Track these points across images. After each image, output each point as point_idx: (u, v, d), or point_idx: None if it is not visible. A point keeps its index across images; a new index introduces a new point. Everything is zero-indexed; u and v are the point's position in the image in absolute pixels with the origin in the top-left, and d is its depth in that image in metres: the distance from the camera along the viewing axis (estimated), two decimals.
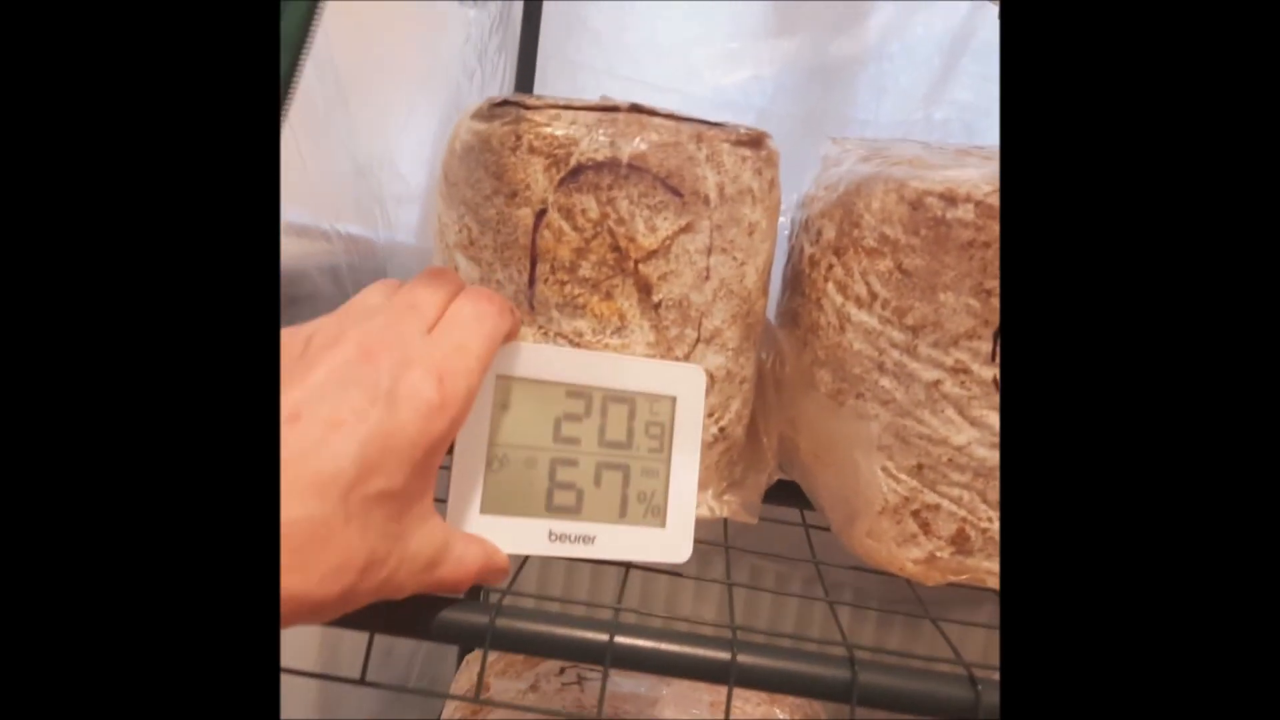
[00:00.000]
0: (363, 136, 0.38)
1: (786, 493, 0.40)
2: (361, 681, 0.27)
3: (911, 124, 0.69)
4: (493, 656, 0.48)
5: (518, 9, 0.55)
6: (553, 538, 0.29)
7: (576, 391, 0.30)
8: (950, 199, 0.30)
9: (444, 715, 0.48)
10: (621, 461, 0.30)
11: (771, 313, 0.41)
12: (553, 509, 0.29)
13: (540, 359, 0.30)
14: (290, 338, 0.24)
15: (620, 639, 0.26)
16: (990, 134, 0.68)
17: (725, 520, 0.36)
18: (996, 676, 0.27)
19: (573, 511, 0.29)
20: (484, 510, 0.29)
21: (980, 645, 0.64)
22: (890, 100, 0.69)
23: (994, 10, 0.42)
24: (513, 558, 0.28)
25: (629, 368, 0.31)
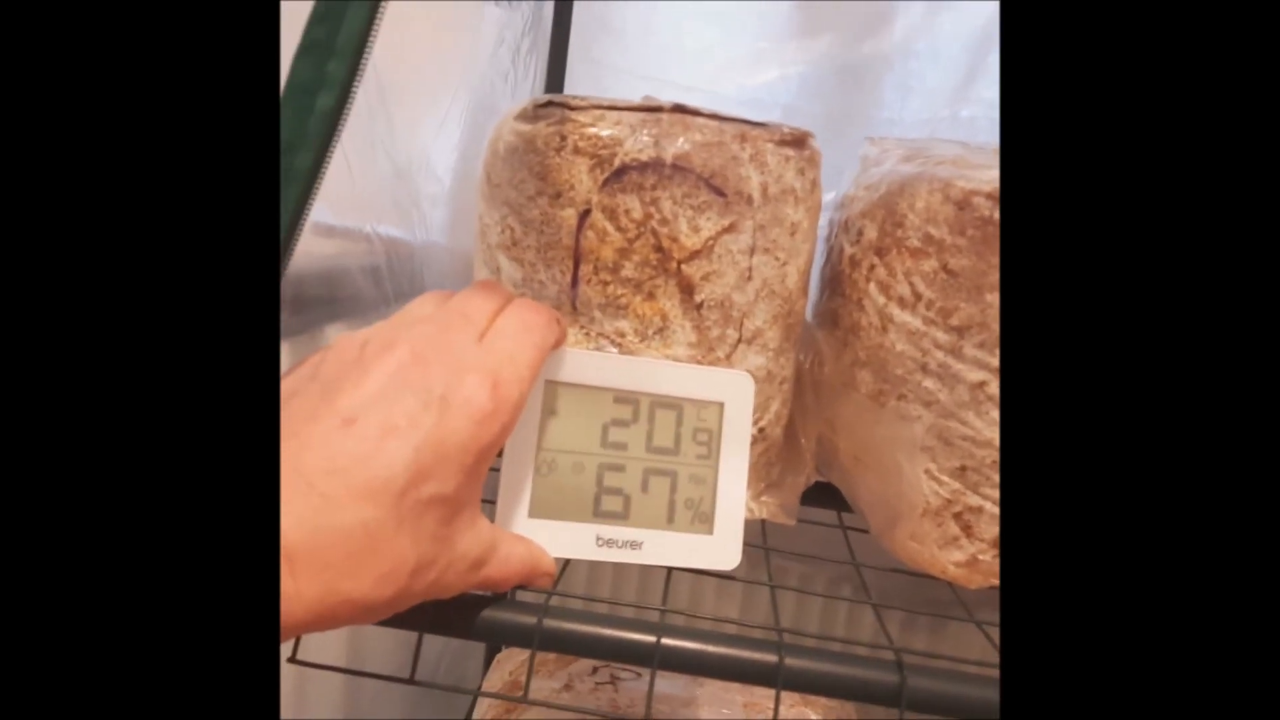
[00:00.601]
0: (401, 140, 0.38)
1: (823, 495, 0.40)
2: (411, 681, 0.27)
3: (938, 122, 0.68)
4: (525, 654, 0.48)
5: (548, 10, 0.55)
6: (600, 542, 0.29)
7: (624, 397, 0.30)
8: (998, 199, 0.29)
9: (476, 714, 0.48)
10: (669, 468, 0.30)
11: (808, 313, 0.41)
12: (600, 514, 0.29)
13: (588, 364, 0.30)
14: (346, 342, 0.24)
15: (668, 640, 0.26)
16: None
17: (763, 521, 0.36)
18: None
19: (620, 517, 0.29)
20: (532, 514, 0.29)
21: None
22: (917, 99, 0.69)
23: None
24: (556, 561, 0.28)
25: (677, 373, 0.30)
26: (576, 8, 0.60)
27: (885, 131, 0.68)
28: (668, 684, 0.45)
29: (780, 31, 0.68)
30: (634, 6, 0.65)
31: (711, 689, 0.45)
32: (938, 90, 0.68)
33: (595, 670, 0.45)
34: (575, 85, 0.63)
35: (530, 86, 0.54)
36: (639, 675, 0.46)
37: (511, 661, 0.49)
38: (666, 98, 0.32)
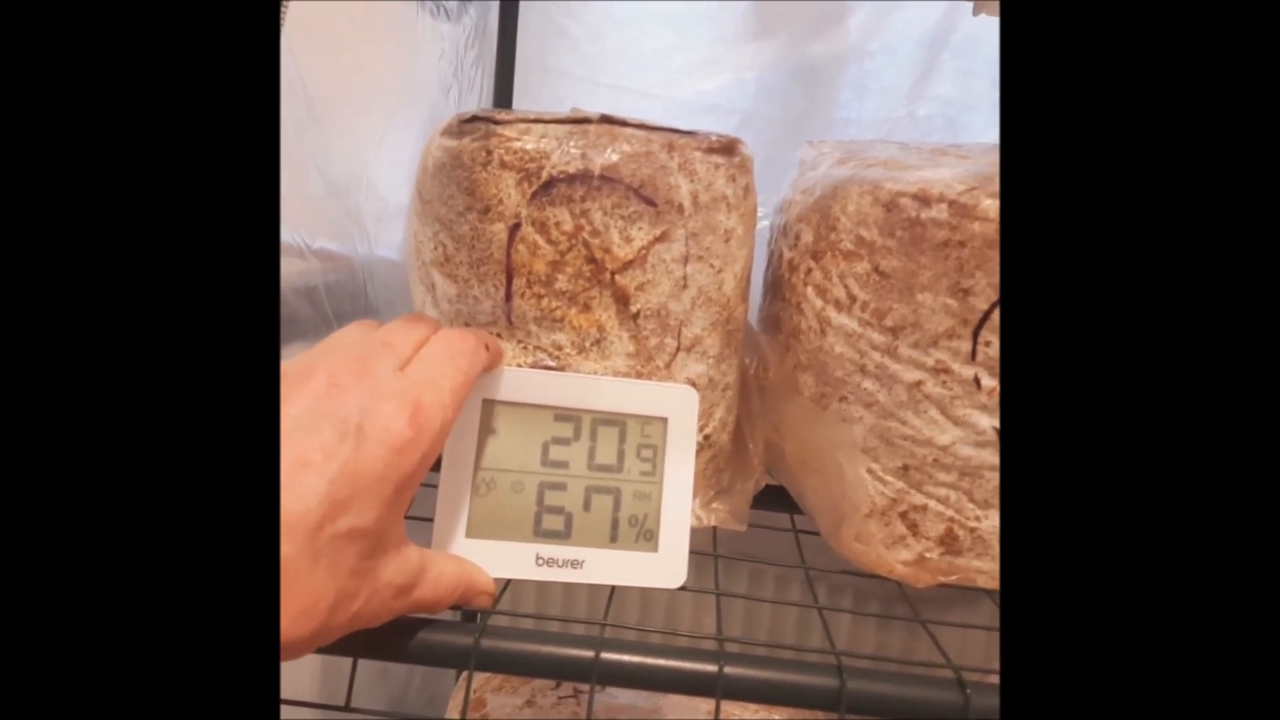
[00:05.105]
0: (336, 157, 0.37)
1: (776, 498, 0.40)
2: (346, 708, 0.26)
3: (895, 121, 0.69)
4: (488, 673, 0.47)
5: (494, 22, 0.55)
6: (540, 562, 0.29)
7: (565, 415, 0.30)
8: (924, 199, 0.30)
9: None
10: (612, 485, 0.30)
11: (754, 318, 0.41)
12: (541, 533, 0.29)
13: (528, 382, 0.29)
14: None
15: (606, 655, 0.26)
16: (973, 128, 0.68)
17: (714, 528, 0.36)
18: (990, 679, 0.27)
19: (561, 536, 0.29)
20: (470, 534, 0.28)
21: (982, 646, 0.63)
22: (873, 98, 0.69)
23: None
24: (496, 580, 0.28)
25: (619, 389, 0.30)
26: (528, 17, 0.60)
27: (843, 131, 0.69)
28: (633, 694, 0.45)
29: (735, 34, 0.68)
30: (586, 13, 0.65)
31: (678, 697, 0.45)
32: (894, 89, 0.69)
33: (558, 684, 0.45)
34: (530, 93, 0.63)
35: (477, 98, 0.54)
36: (603, 687, 0.45)
37: (477, 678, 0.49)
38: (623, 103, 0.32)
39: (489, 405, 0.29)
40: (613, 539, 0.30)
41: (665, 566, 0.30)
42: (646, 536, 0.30)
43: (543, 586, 0.66)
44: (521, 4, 0.58)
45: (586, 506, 0.30)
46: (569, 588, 0.66)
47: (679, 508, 0.30)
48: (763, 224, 0.41)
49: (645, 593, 0.64)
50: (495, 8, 0.55)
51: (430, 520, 0.29)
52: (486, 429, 0.29)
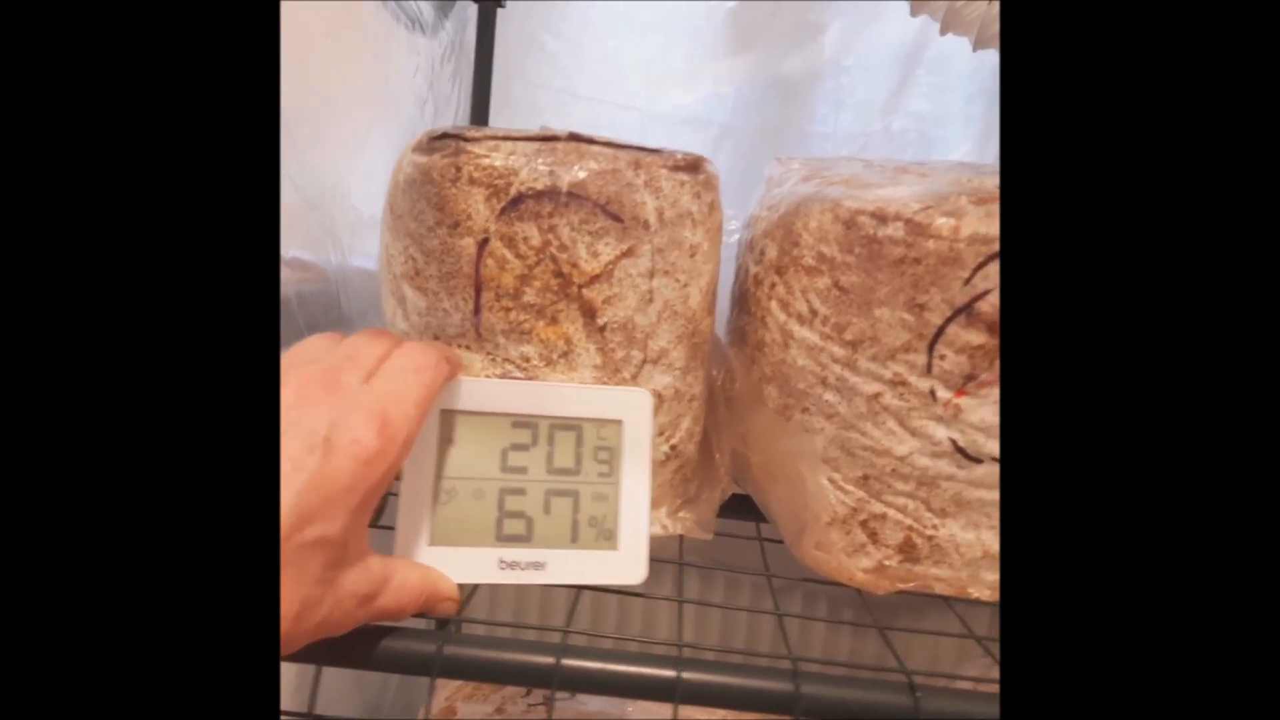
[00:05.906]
0: (312, 168, 0.38)
1: (743, 507, 0.40)
2: (309, 715, 0.27)
3: (870, 136, 0.70)
4: (459, 681, 0.48)
5: (471, 36, 0.56)
6: (503, 566, 0.29)
7: (522, 421, 0.30)
8: (881, 217, 0.30)
9: None
10: (571, 488, 0.30)
11: (722, 331, 0.41)
12: (503, 538, 0.30)
13: (485, 391, 0.30)
14: None
15: (567, 661, 0.27)
16: (947, 142, 0.70)
17: (681, 537, 0.37)
18: (941, 683, 0.27)
19: (523, 540, 0.30)
20: (433, 542, 0.29)
21: (953, 653, 0.64)
22: (848, 113, 0.71)
23: None
24: (463, 587, 0.29)
25: (574, 395, 0.31)
26: (507, 30, 0.61)
27: (820, 145, 0.70)
28: (602, 700, 0.45)
29: (713, 49, 0.69)
30: (565, 26, 0.65)
31: (645, 704, 0.45)
32: (868, 104, 0.70)
33: (529, 692, 0.46)
34: (511, 105, 0.63)
35: (454, 112, 0.54)
36: (572, 695, 0.46)
37: (449, 686, 0.49)
38: (601, 115, 0.32)
39: (448, 415, 0.30)
40: (573, 539, 0.30)
41: (626, 564, 0.31)
42: (606, 535, 0.31)
43: (520, 598, 0.67)
44: (501, 17, 0.58)
45: (547, 510, 0.30)
46: (545, 598, 0.66)
47: (637, 507, 0.31)
48: (736, 237, 0.42)
49: (621, 603, 0.65)
50: (473, 22, 0.56)
51: (392, 528, 0.29)
52: (446, 439, 0.30)
